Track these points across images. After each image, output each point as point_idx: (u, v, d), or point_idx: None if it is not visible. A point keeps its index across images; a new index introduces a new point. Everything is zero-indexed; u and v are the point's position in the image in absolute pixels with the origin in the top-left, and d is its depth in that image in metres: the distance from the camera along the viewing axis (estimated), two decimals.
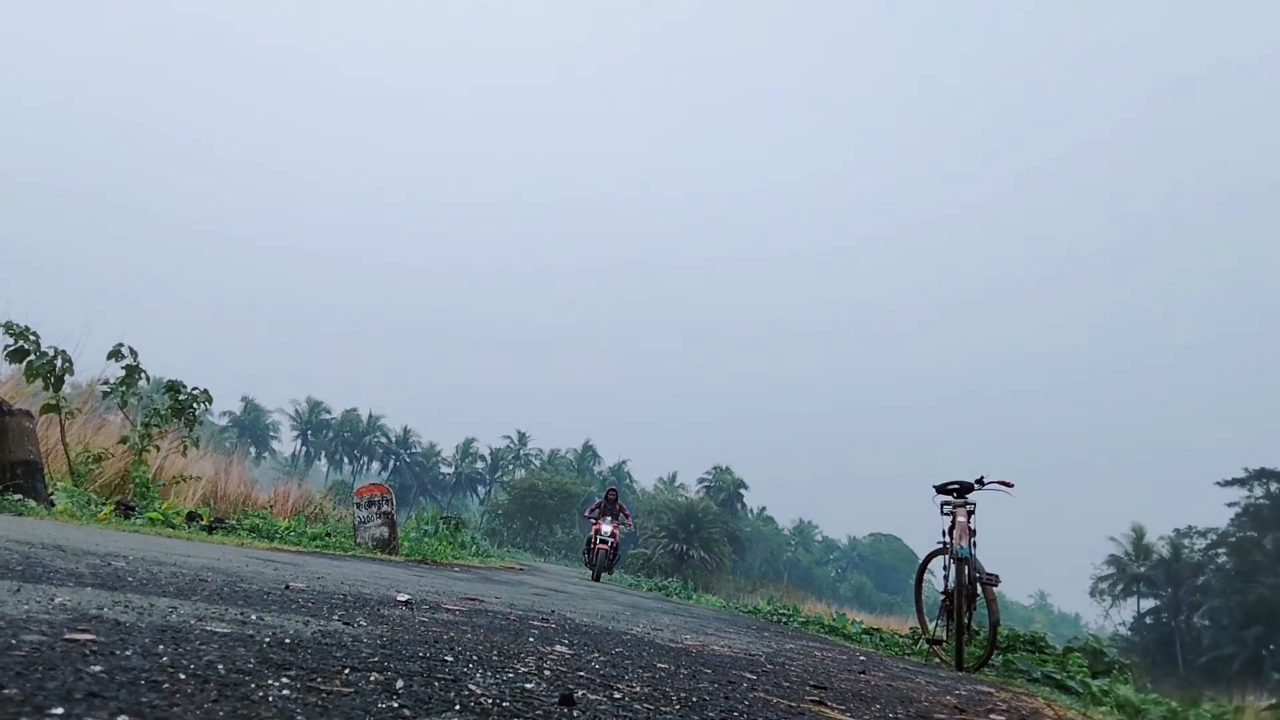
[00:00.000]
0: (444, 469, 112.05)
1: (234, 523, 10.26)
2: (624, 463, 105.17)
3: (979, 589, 6.87)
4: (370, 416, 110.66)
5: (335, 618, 2.67)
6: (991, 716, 3.17)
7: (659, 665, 2.86)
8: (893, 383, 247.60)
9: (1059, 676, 7.43)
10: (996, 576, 6.85)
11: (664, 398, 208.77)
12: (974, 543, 7.00)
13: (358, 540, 10.82)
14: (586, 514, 18.89)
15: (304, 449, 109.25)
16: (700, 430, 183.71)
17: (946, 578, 7.20)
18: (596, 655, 2.84)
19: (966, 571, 6.94)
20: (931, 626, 7.77)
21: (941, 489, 7.46)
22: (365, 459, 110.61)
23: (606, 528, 18.00)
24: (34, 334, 9.19)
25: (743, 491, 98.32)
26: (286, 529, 10.55)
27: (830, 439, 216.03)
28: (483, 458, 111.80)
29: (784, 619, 13.58)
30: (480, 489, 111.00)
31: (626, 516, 18.77)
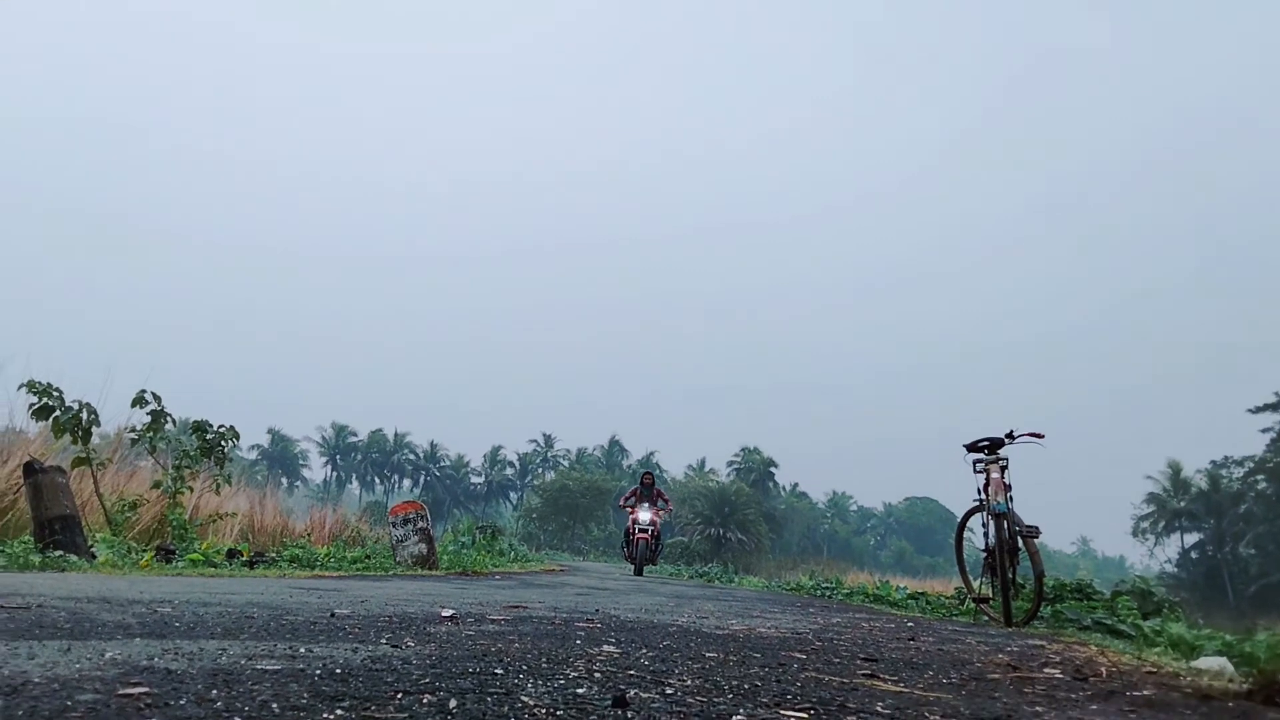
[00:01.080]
0: (474, 479, 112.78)
1: (274, 555, 10.34)
2: (652, 454, 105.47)
3: (1020, 542, 6.84)
4: (396, 435, 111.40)
5: (383, 641, 2.69)
6: (1045, 670, 3.15)
7: (708, 655, 2.87)
8: (911, 343, 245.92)
9: (1109, 622, 7.38)
10: (1036, 528, 6.81)
11: (683, 384, 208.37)
12: (1010, 497, 6.96)
13: (397, 559, 10.88)
14: (622, 503, 17.37)
15: (334, 474, 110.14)
16: (724, 413, 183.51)
17: (986, 535, 7.17)
18: (645, 651, 2.84)
19: (1006, 526, 6.91)
20: (976, 585, 7.73)
21: (972, 447, 7.43)
22: (396, 477, 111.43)
23: (645, 515, 16.54)
24: (57, 390, 9.28)
25: (773, 470, 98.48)
26: (326, 555, 10.62)
27: (854, 408, 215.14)
28: (511, 464, 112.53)
29: (827, 593, 13.57)
30: (512, 495, 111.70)
31: (666, 501, 17.22)
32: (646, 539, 16.36)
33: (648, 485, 17.11)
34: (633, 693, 1.94)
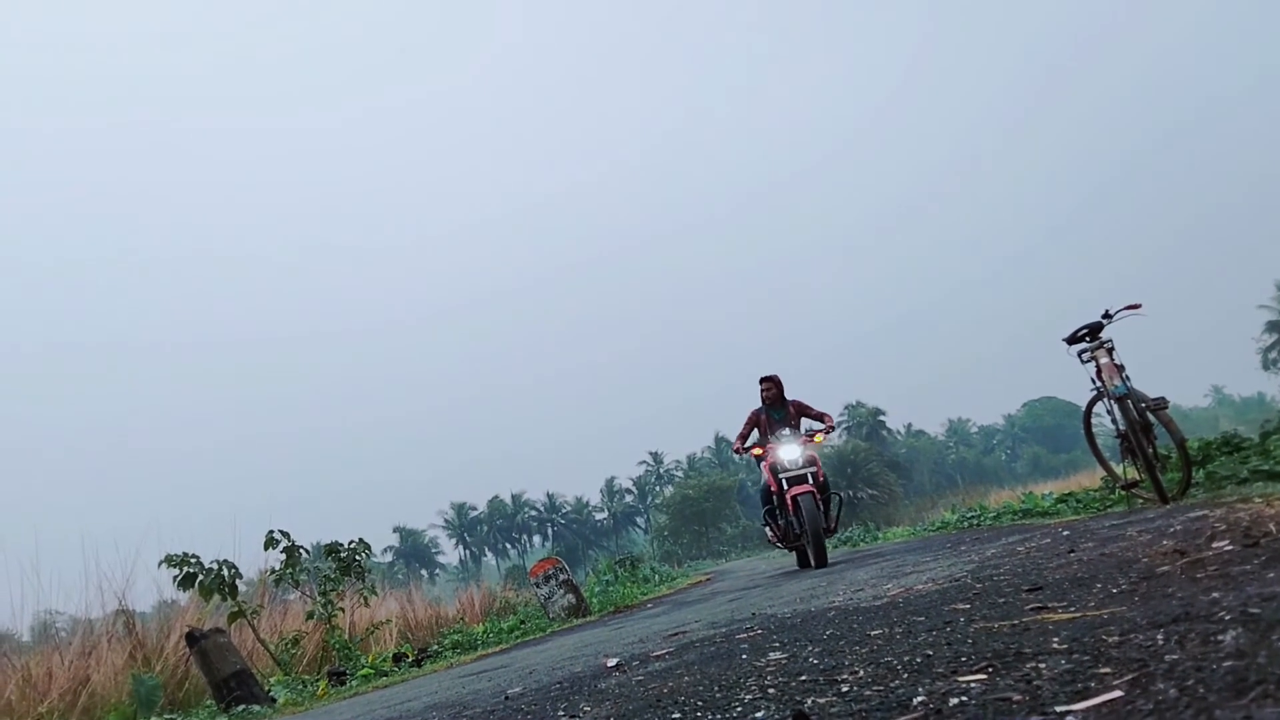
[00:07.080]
0: (598, 515, 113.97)
1: (436, 647, 10.61)
2: None
3: (1151, 418, 6.63)
4: (513, 496, 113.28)
5: (560, 713, 2.74)
6: (1214, 545, 3.03)
7: (872, 634, 2.84)
8: (967, 255, 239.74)
9: (1266, 467, 7.11)
10: (1163, 399, 6.60)
11: (765, 361, 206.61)
12: (1126, 376, 6.77)
13: (550, 616, 11.04)
14: (737, 446, 9.82)
15: (466, 552, 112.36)
16: (816, 376, 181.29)
17: (1114, 420, 6.98)
18: (810, 648, 2.84)
19: (1131, 407, 6.72)
20: (1120, 470, 7.51)
21: (1072, 339, 7.26)
22: (524, 537, 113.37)
23: (789, 452, 8.90)
24: (193, 556, 9.69)
25: (883, 418, 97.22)
26: (484, 632, 10.87)
27: (940, 335, 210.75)
28: (629, 490, 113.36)
29: (974, 521, 13.31)
30: (638, 520, 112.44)
31: (823, 416, 9.65)
32: (810, 492, 8.64)
33: (772, 400, 9.75)
34: (809, 701, 1.94)
